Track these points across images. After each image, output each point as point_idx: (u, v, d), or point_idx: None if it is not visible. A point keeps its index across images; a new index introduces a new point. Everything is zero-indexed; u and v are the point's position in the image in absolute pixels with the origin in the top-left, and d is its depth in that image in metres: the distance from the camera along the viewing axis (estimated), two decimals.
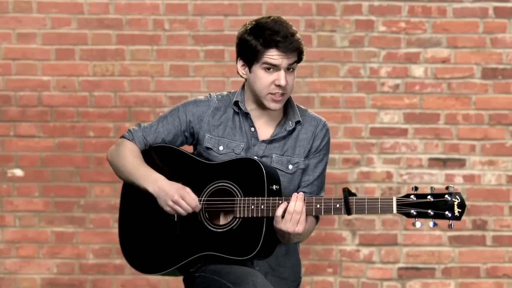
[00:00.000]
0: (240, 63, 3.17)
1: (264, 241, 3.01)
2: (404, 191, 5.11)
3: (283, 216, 2.98)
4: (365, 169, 5.13)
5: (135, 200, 3.21)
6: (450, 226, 2.88)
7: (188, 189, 3.06)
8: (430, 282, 5.11)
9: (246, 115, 3.19)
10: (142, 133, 3.21)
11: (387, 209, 2.93)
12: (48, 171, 5.13)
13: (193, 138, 3.22)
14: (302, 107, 3.28)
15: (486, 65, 5.14)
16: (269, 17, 3.13)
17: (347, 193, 2.95)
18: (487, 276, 5.11)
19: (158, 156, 3.20)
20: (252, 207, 3.01)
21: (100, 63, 5.14)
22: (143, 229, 3.20)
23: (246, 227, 3.03)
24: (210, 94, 3.29)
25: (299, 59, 3.14)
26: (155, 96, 5.14)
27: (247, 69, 3.15)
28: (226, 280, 3.00)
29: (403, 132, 5.14)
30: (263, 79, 3.10)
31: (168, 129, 3.20)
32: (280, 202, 3.00)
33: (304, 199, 3.00)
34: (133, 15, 5.14)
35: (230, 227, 3.05)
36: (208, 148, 3.18)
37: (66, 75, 5.15)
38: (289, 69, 3.11)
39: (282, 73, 3.09)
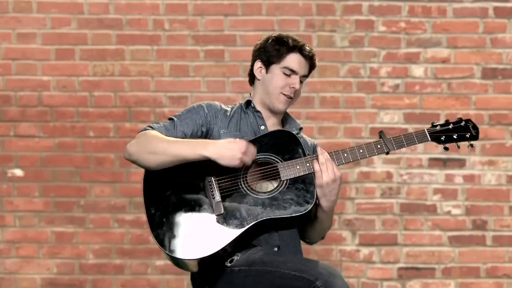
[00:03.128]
0: (257, 65, 3.37)
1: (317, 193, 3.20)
2: (404, 191, 5.12)
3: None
4: (365, 169, 5.13)
5: (165, 187, 3.20)
6: (471, 146, 3.35)
7: (238, 139, 3.14)
8: (430, 282, 5.11)
9: (257, 113, 3.36)
10: (165, 131, 3.24)
11: (422, 139, 3.30)
12: (48, 171, 5.13)
13: (207, 133, 3.30)
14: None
15: (486, 65, 5.14)
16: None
17: (384, 134, 3.26)
18: (487, 276, 5.11)
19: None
20: (298, 166, 3.18)
21: (100, 63, 5.14)
22: (180, 214, 3.16)
23: (295, 186, 3.18)
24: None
25: (308, 75, 3.40)
26: (155, 96, 5.14)
27: (264, 70, 3.36)
28: (287, 269, 3.01)
29: (403, 132, 5.13)
30: (280, 80, 3.32)
31: (187, 123, 3.27)
32: (315, 157, 3.20)
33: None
34: (133, 15, 5.15)
35: (279, 190, 3.17)
36: None
37: (66, 75, 5.15)
38: (301, 81, 3.35)
39: (298, 78, 3.32)
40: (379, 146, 3.25)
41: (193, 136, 3.26)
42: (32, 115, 5.13)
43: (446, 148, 3.35)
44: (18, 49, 5.15)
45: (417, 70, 5.14)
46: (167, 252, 3.09)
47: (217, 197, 3.15)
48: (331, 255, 5.11)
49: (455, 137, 3.33)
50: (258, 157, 3.19)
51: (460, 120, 3.36)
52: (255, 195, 3.16)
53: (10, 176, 5.13)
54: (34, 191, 5.12)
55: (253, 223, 3.11)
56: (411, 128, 5.13)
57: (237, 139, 3.14)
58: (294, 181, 3.18)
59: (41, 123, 5.13)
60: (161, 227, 3.14)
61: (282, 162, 3.19)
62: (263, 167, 3.19)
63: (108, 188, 5.12)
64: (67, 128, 5.14)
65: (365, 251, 5.13)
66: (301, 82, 3.34)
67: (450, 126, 3.33)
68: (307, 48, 3.34)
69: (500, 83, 5.14)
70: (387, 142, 3.25)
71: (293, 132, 3.30)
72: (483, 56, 5.14)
